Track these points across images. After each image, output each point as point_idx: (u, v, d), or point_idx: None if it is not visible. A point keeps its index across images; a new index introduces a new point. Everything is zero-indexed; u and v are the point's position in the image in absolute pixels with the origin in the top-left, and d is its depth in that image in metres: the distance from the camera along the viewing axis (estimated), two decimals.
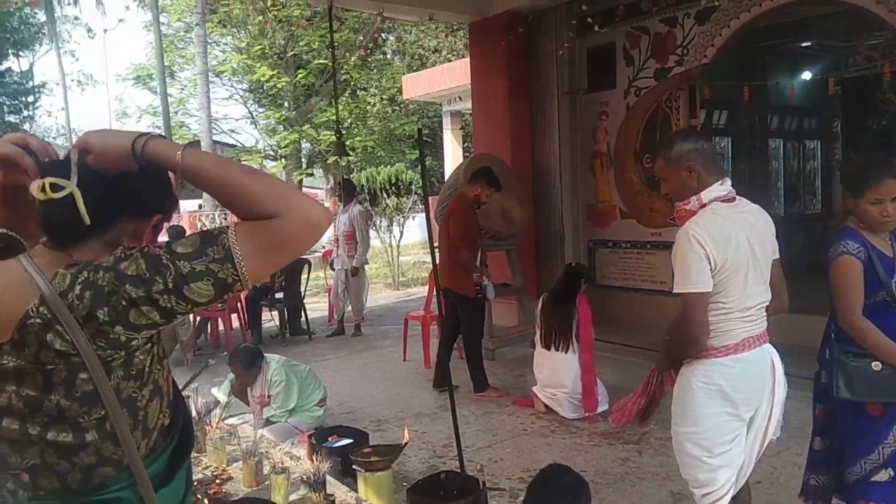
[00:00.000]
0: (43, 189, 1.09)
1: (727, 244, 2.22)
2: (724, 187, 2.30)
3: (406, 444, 3.77)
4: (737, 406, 2.31)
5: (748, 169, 9.58)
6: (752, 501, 2.62)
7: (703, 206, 2.28)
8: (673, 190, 2.38)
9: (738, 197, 2.36)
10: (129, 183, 1.18)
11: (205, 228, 1.27)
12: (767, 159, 10.05)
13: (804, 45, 9.03)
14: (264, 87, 19.06)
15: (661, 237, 7.00)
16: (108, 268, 1.08)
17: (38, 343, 1.07)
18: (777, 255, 2.43)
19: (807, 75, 9.39)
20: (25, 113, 28.50)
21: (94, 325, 1.07)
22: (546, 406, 4.73)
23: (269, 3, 15.93)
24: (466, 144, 15.69)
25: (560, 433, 4.41)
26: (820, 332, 5.73)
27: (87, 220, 1.12)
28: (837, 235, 2.43)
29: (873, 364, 2.32)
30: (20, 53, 28.15)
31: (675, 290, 2.27)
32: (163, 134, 1.21)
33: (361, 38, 18.09)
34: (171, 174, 1.28)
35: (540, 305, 4.90)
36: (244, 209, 1.11)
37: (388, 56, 21.83)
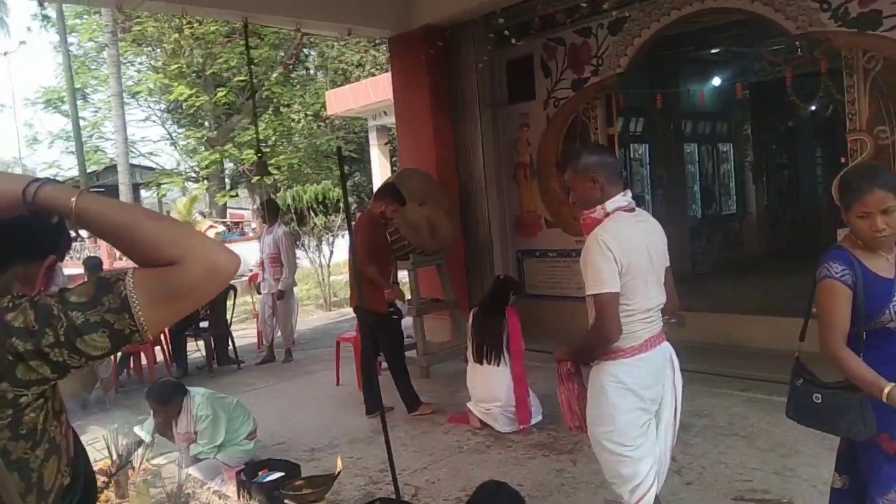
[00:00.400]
0: None
1: (630, 250, 2.41)
2: (625, 198, 2.51)
3: (339, 473, 3.68)
4: (644, 400, 2.50)
5: (666, 173, 9.91)
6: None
7: (608, 214, 2.47)
8: (579, 199, 2.57)
9: (637, 208, 2.56)
10: (18, 224, 1.09)
11: (102, 274, 1.19)
12: (683, 164, 10.42)
13: (712, 52, 9.42)
14: (183, 107, 18.56)
15: None
16: None
17: None
18: (668, 263, 2.64)
19: (716, 81, 9.79)
20: None
21: None
22: (481, 421, 4.70)
23: (183, 21, 15.53)
24: (394, 159, 15.65)
25: (496, 448, 4.39)
26: (729, 330, 5.91)
27: None
28: (823, 257, 2.22)
29: (814, 395, 2.23)
30: None
31: (588, 293, 2.43)
32: (57, 179, 1.12)
33: (282, 54, 17.86)
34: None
35: (470, 320, 4.89)
36: (144, 256, 1.04)
37: (311, 72, 21.61)
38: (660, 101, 6.90)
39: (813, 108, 9.56)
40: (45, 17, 16.10)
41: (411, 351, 6.36)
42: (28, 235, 1.13)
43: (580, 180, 2.51)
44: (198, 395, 4.22)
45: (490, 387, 4.64)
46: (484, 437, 4.57)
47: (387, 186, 5.50)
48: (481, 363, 4.71)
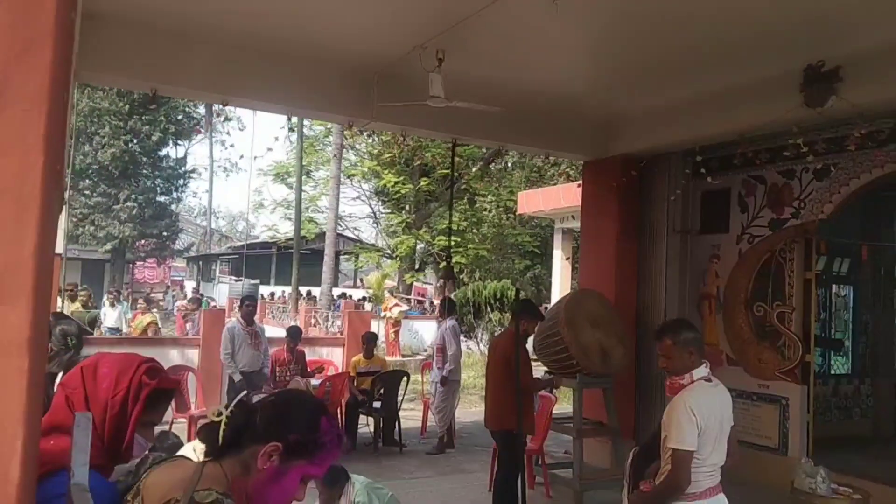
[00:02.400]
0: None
1: (708, 414, 2.84)
2: (706, 370, 2.97)
3: None
4: None
5: (871, 320, 9.07)
6: None
7: (693, 381, 2.92)
8: (673, 366, 2.99)
9: (712, 378, 2.98)
10: (263, 414, 1.46)
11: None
12: (894, 311, 9.46)
13: None
14: (388, 192, 20.26)
15: (769, 390, 6.74)
16: None
17: None
18: (733, 423, 3.01)
19: None
20: (174, 195, 31.61)
21: None
22: None
23: None
24: (576, 264, 15.82)
25: None
26: None
27: (219, 442, 1.42)
28: None
29: None
30: (178, 142, 31.60)
31: (669, 446, 2.83)
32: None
33: (485, 150, 19.00)
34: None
35: (630, 458, 4.80)
36: None
37: (509, 167, 22.69)
38: (865, 254, 6.49)
39: None
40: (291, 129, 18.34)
41: (567, 470, 6.35)
42: (264, 423, 1.46)
43: (678, 350, 2.94)
44: (357, 481, 4.54)
45: None
46: None
47: (526, 304, 5.79)
48: None
